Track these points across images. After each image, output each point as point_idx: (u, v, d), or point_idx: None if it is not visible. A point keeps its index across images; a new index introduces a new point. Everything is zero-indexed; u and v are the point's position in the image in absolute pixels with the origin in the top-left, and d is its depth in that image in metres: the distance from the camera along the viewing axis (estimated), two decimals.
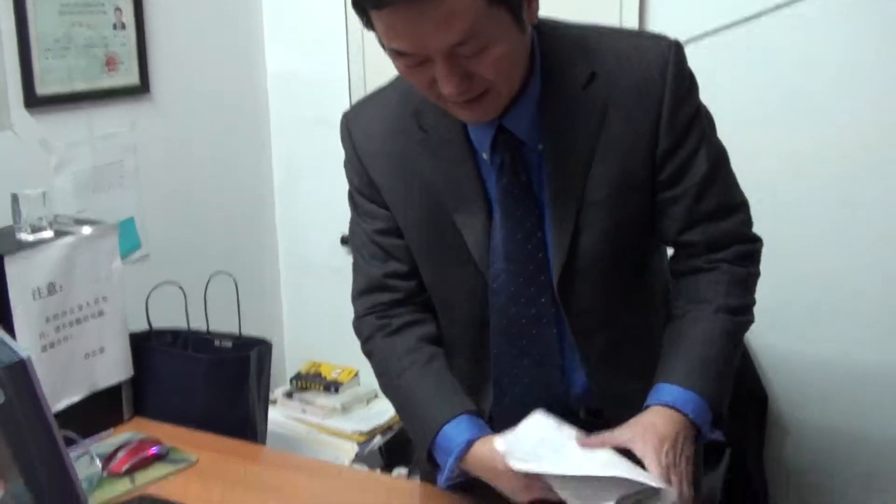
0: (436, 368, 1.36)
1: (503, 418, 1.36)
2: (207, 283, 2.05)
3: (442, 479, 1.28)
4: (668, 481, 1.13)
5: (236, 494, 1.57)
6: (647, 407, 1.23)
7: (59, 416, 1.70)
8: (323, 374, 2.58)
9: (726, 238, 1.31)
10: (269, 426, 2.29)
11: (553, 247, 1.30)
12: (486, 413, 1.43)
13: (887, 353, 2.01)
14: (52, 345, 1.68)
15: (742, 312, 1.32)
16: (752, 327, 2.05)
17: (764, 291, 1.95)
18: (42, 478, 1.17)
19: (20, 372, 1.07)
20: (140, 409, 1.89)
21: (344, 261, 2.07)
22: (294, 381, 2.56)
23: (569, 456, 1.18)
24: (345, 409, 2.46)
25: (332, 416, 2.45)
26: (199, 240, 2.35)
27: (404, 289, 1.40)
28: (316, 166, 2.52)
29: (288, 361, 2.71)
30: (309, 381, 2.56)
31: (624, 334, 1.38)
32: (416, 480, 1.54)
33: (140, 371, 1.88)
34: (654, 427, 1.18)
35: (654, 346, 1.33)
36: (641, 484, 1.12)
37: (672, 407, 1.21)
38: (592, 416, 1.37)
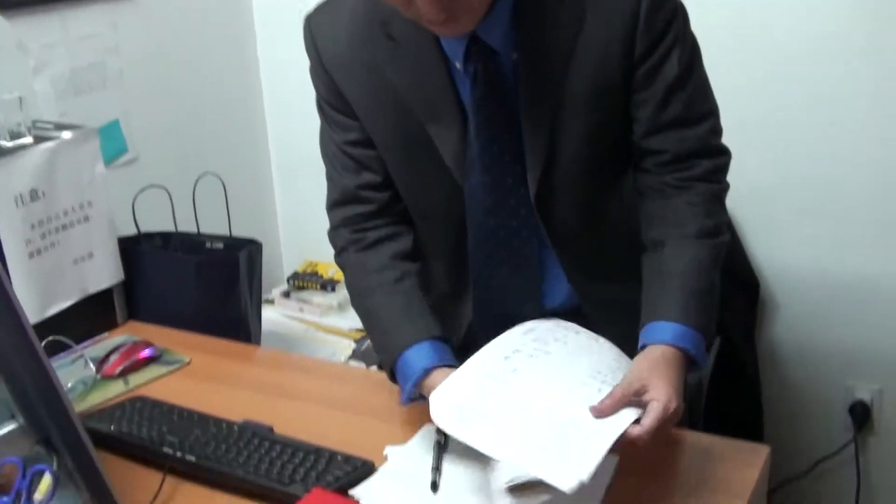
0: (405, 288, 1.35)
1: (485, 328, 1.36)
2: (195, 185, 2.03)
3: (403, 398, 1.31)
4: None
5: (230, 393, 1.59)
6: (646, 346, 1.21)
7: (51, 321, 1.73)
8: (319, 273, 2.58)
9: (693, 148, 1.28)
10: (267, 325, 2.31)
11: (530, 157, 1.27)
12: (463, 327, 1.44)
13: (881, 235, 1.99)
14: (38, 252, 1.68)
15: (721, 232, 1.29)
16: (745, 213, 2.06)
17: (757, 175, 1.94)
18: (26, 385, 1.18)
19: None
20: (133, 313, 1.90)
21: None
22: (291, 281, 2.57)
23: (492, 424, 1.15)
24: (341, 307, 2.46)
25: (328, 313, 2.46)
26: (188, 142, 2.32)
27: (378, 200, 1.38)
28: (305, 62, 2.46)
29: (285, 261, 2.71)
30: (305, 280, 2.57)
31: (604, 242, 1.37)
32: None
33: (131, 275, 1.88)
34: (666, 377, 1.16)
35: (635, 252, 1.32)
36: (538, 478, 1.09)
37: (673, 346, 1.19)
38: (573, 317, 1.38)
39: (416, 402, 1.31)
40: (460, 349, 1.49)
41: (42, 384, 1.15)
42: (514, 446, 1.10)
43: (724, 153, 1.33)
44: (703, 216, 1.27)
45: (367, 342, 2.41)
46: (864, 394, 2.10)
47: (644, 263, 1.30)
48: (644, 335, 1.23)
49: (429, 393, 1.24)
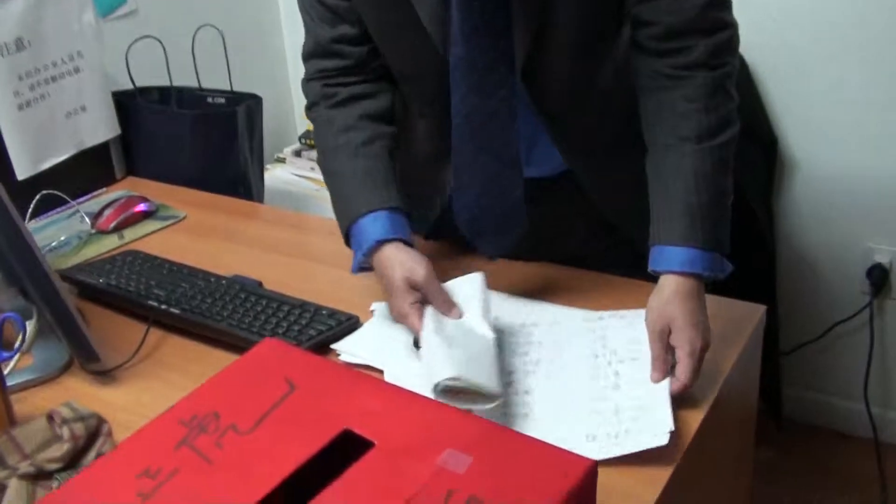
0: (372, 152, 1.27)
1: (462, 216, 1.31)
2: (194, 38, 1.97)
3: (353, 267, 1.26)
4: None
5: (223, 249, 1.57)
6: (658, 274, 1.14)
7: (46, 176, 1.71)
8: None
9: (690, 21, 1.14)
10: (277, 184, 2.29)
11: (519, 25, 1.17)
12: (438, 201, 1.39)
13: None
14: (27, 103, 1.64)
15: (727, 126, 1.17)
16: (760, 68, 1.95)
17: (775, 23, 1.81)
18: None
19: None
20: (132, 169, 1.88)
21: None
22: (302, 139, 2.52)
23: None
24: None
25: None
26: None
27: (354, 55, 1.30)
28: None
29: (297, 119, 2.66)
30: None
31: (595, 114, 1.29)
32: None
33: (129, 130, 1.85)
34: (684, 315, 1.10)
35: (628, 122, 1.24)
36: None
37: (682, 273, 1.12)
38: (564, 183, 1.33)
39: (366, 271, 1.27)
40: (432, 232, 1.46)
41: (12, 237, 1.13)
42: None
43: (728, 26, 1.18)
44: (703, 113, 1.15)
45: None
46: (883, 257, 2.04)
47: (647, 170, 1.20)
48: (652, 260, 1.16)
49: (379, 265, 1.21)
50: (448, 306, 1.18)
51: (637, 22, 1.19)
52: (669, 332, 1.11)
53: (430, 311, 1.17)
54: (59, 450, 1.02)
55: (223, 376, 0.81)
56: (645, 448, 1.02)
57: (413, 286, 1.18)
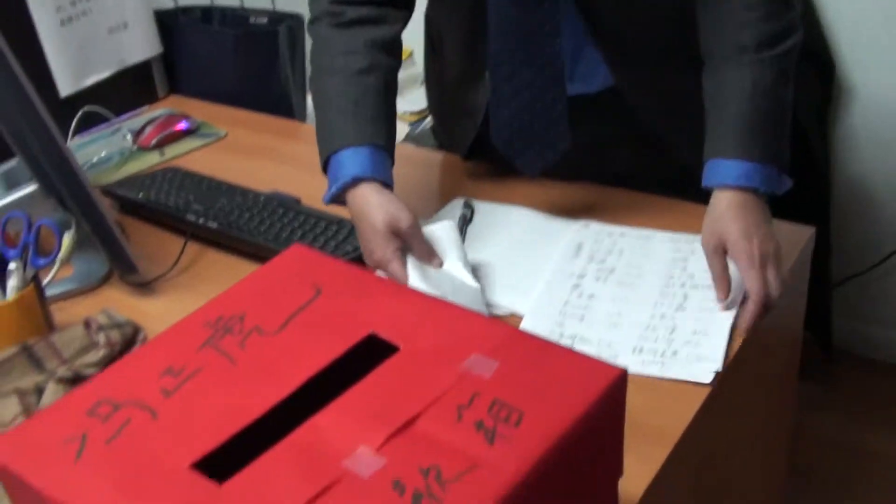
0: (368, 82, 1.19)
1: (502, 134, 1.27)
2: None
3: (325, 197, 1.20)
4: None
5: (263, 167, 1.56)
6: (712, 190, 1.11)
7: (89, 92, 1.71)
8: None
9: None
10: None
11: None
12: (470, 130, 1.36)
13: None
14: (69, 19, 1.63)
15: (787, 35, 1.12)
16: None
17: None
18: (32, 146, 1.16)
19: None
20: (175, 87, 1.87)
21: None
22: None
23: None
24: (400, 90, 2.39)
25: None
26: None
27: None
28: None
29: None
30: None
31: (644, 24, 1.24)
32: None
33: (171, 49, 1.83)
34: (741, 229, 1.07)
35: (677, 32, 1.20)
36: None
37: (737, 188, 1.09)
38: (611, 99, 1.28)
39: (338, 204, 1.21)
40: (468, 155, 1.42)
41: (49, 149, 1.13)
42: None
43: None
44: (762, 21, 1.10)
45: (422, 125, 2.35)
46: None
47: (704, 83, 1.16)
48: (707, 175, 1.12)
49: (354, 204, 1.15)
50: (430, 255, 1.14)
51: None
52: (726, 250, 1.08)
53: (412, 260, 1.13)
54: (96, 355, 1.03)
55: (250, 280, 0.80)
56: (685, 379, 1.00)
57: (395, 232, 1.12)
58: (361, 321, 0.74)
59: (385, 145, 1.18)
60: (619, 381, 0.68)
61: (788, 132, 1.14)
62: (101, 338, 1.05)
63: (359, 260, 1.23)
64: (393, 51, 1.24)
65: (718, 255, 1.08)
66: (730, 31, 1.12)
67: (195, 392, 0.68)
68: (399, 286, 0.78)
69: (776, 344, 1.26)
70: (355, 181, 1.15)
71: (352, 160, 1.16)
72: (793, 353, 1.36)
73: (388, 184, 1.17)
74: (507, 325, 0.72)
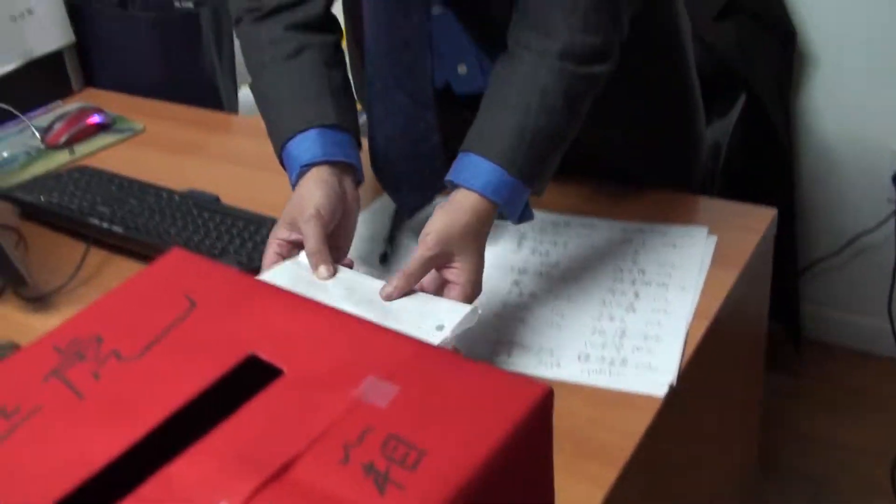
0: (299, 64, 1.07)
1: (377, 163, 1.14)
2: None
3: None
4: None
5: (182, 163, 1.44)
6: (455, 186, 0.95)
7: None
8: None
9: None
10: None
11: None
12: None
13: None
14: None
15: (600, 59, 0.98)
16: None
17: None
18: None
19: None
20: (91, 80, 1.73)
21: None
22: None
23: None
24: None
25: None
26: None
27: None
28: None
29: None
30: None
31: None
32: None
33: (85, 37, 1.70)
34: (474, 248, 0.92)
35: None
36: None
37: (483, 196, 0.93)
38: None
39: None
40: None
41: None
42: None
43: None
44: (580, 31, 0.96)
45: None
46: None
47: (495, 67, 1.02)
48: (457, 167, 0.97)
49: (297, 191, 1.01)
50: (318, 258, 0.95)
51: None
52: (445, 265, 0.92)
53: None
54: None
55: (114, 294, 0.68)
56: (636, 391, 0.89)
57: (293, 224, 0.98)
58: (241, 339, 0.62)
59: (337, 122, 1.04)
60: (543, 402, 0.56)
61: (553, 166, 0.99)
62: None
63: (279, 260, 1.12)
64: (323, 27, 1.12)
65: (435, 263, 0.92)
66: (543, 26, 0.98)
67: (28, 438, 0.55)
68: (289, 295, 0.67)
69: (739, 337, 1.16)
70: (304, 170, 1.01)
71: (299, 148, 1.03)
72: (757, 345, 1.27)
73: (348, 163, 1.03)
74: (410, 340, 0.60)
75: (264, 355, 0.60)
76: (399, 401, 0.55)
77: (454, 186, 0.95)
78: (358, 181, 1.04)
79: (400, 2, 1.04)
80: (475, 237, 0.92)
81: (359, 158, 1.04)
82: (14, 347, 0.97)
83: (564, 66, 0.96)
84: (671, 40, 1.21)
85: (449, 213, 0.92)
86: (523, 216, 0.98)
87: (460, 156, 0.97)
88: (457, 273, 0.91)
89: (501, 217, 0.96)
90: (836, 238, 2.01)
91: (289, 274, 0.94)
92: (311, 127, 1.02)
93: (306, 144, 1.02)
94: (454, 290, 0.91)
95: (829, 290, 2.09)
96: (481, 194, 0.93)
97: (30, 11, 1.59)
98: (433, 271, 0.92)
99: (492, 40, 1.07)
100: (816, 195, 1.99)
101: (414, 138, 1.10)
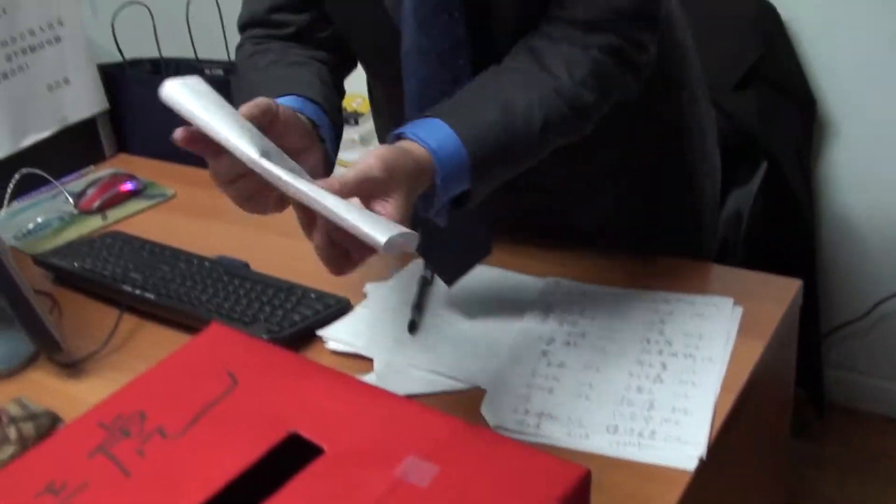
0: (298, 64, 1.06)
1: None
2: (188, 5, 1.86)
3: None
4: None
5: (212, 228, 1.46)
6: (405, 137, 0.91)
7: (29, 153, 1.61)
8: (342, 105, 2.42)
9: (614, 14, 0.99)
10: None
11: (494, 20, 1.02)
12: None
13: None
14: (5, 75, 1.54)
15: (579, 115, 0.99)
16: (796, 22, 1.80)
17: None
18: None
19: None
20: (124, 146, 1.77)
21: None
22: None
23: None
24: (363, 140, 2.31)
25: (350, 148, 2.31)
26: None
27: (296, 23, 1.13)
28: None
29: None
30: None
31: None
32: None
33: (118, 104, 1.74)
34: (407, 177, 0.85)
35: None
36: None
37: (432, 156, 0.89)
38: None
39: None
40: None
41: None
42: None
43: (653, 20, 1.03)
44: (576, 82, 0.98)
45: None
46: None
47: (485, 70, 1.02)
48: (416, 125, 0.92)
49: None
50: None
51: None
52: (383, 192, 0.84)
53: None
54: (5, 453, 0.92)
55: (157, 370, 0.69)
56: (665, 464, 0.89)
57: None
58: (282, 417, 0.63)
59: (315, 99, 0.99)
60: (582, 484, 0.57)
61: (503, 174, 0.97)
62: (13, 432, 0.93)
63: (310, 329, 1.13)
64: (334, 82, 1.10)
65: (373, 181, 0.83)
66: (539, 58, 0.99)
67: None
68: (328, 372, 0.68)
69: (766, 407, 1.16)
70: None
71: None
72: (784, 413, 1.26)
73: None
74: (449, 419, 0.62)
75: (305, 433, 0.62)
76: (439, 481, 0.56)
77: (399, 139, 0.90)
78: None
79: (437, 70, 1.03)
80: (411, 186, 0.85)
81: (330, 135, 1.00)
82: (50, 415, 0.98)
83: (552, 93, 0.97)
84: (676, 126, 1.23)
85: (395, 151, 0.86)
86: (439, 212, 0.94)
87: (424, 119, 0.93)
88: (391, 208, 0.82)
89: None
90: (858, 303, 2.01)
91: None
92: (288, 94, 0.97)
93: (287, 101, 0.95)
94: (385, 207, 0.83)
95: (853, 354, 2.09)
96: (431, 152, 0.88)
97: (66, 81, 1.64)
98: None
99: None
100: (838, 261, 2.00)
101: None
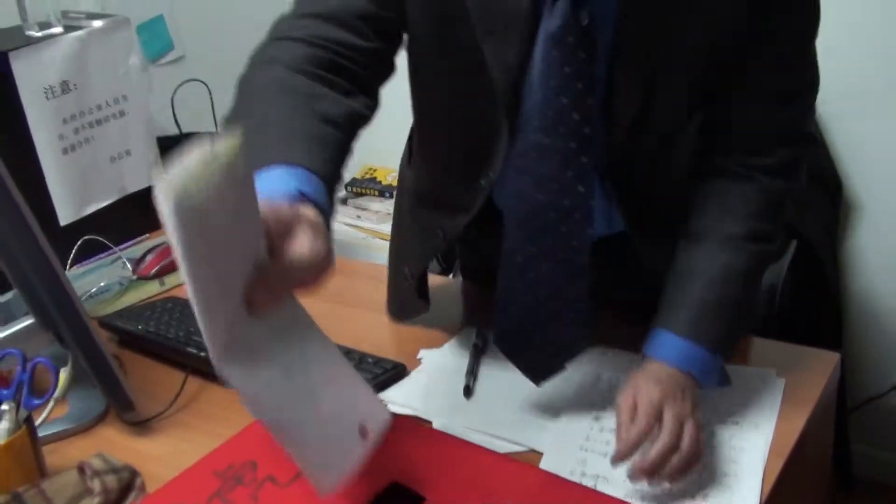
0: (323, 126, 0.91)
1: (509, 331, 1.13)
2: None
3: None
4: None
5: None
6: (650, 357, 1.06)
7: (89, 221, 1.68)
8: (378, 179, 2.50)
9: (777, 131, 1.08)
10: None
11: (614, 117, 1.04)
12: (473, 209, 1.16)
13: None
14: (72, 147, 1.62)
15: (771, 239, 1.09)
16: (825, 109, 1.88)
17: (842, 64, 1.75)
18: (35, 283, 1.13)
19: None
20: None
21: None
22: (349, 188, 2.49)
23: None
24: None
25: (386, 220, 2.38)
26: (238, 39, 2.22)
27: (369, 49, 1.02)
28: None
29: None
30: (364, 187, 2.49)
31: (667, 199, 1.17)
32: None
33: None
34: (641, 391, 1.01)
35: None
36: None
37: (676, 368, 1.04)
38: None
39: None
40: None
41: (50, 282, 1.09)
42: None
43: (810, 142, 1.13)
44: (753, 218, 1.08)
45: None
46: None
47: (676, 252, 1.11)
48: (650, 344, 1.07)
49: None
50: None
51: (721, 123, 1.10)
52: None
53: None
54: (90, 503, 0.97)
55: (260, 423, 0.75)
56: None
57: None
58: (383, 468, 0.68)
59: (312, 168, 0.84)
60: None
61: (741, 332, 1.12)
62: (97, 484, 0.98)
63: None
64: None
65: (642, 420, 0.98)
66: (719, 215, 1.09)
67: None
68: (422, 428, 0.73)
69: (809, 475, 1.20)
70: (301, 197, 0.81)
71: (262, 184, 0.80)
72: (823, 485, 1.30)
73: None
74: (537, 470, 0.67)
75: (406, 482, 0.67)
76: None
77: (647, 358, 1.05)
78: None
79: (560, 171, 1.03)
80: (678, 399, 1.00)
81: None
82: (130, 469, 1.03)
83: (741, 245, 1.08)
84: None
85: (642, 375, 1.03)
86: (721, 381, 1.08)
87: (653, 332, 1.07)
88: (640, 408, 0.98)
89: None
90: (884, 379, 2.05)
91: None
92: (279, 164, 0.82)
93: (273, 180, 0.82)
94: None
95: (879, 429, 2.11)
96: (673, 366, 1.03)
97: (128, 153, 1.72)
98: None
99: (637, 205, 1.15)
100: (865, 336, 2.04)
101: (556, 309, 1.09)
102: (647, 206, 1.16)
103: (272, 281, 0.65)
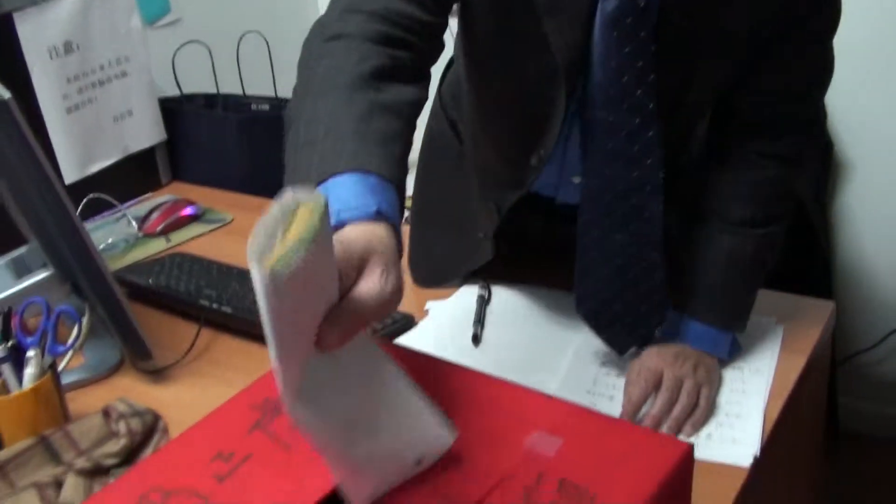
0: (375, 97, 0.87)
1: (583, 301, 1.16)
2: (238, 44, 1.96)
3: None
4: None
5: None
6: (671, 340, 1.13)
7: (94, 179, 1.70)
8: None
9: (793, 123, 1.11)
10: None
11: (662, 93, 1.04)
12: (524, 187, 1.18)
13: None
14: (76, 107, 1.64)
15: (772, 222, 1.14)
16: None
17: None
18: (54, 234, 1.15)
19: (4, 112, 1.01)
20: (178, 174, 1.87)
21: None
22: None
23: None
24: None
25: None
26: (233, 1, 2.23)
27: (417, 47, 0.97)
28: None
29: None
30: None
31: (685, 189, 1.19)
32: None
33: (174, 135, 1.84)
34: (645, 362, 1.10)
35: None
36: None
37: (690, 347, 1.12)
38: None
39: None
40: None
41: (69, 233, 1.12)
42: None
43: (818, 128, 1.22)
44: (763, 203, 1.12)
45: None
46: None
47: (690, 235, 1.16)
48: (674, 328, 1.14)
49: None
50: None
51: (741, 110, 1.12)
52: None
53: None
54: (116, 445, 1.00)
55: None
56: (724, 461, 0.98)
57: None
58: None
59: (384, 174, 0.80)
60: (687, 456, 0.66)
61: (749, 306, 1.16)
62: (122, 427, 1.01)
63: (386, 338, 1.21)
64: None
65: (641, 383, 1.07)
66: (724, 199, 1.13)
67: (248, 478, 0.65)
68: (450, 364, 0.76)
69: (808, 415, 1.24)
70: (341, 224, 0.74)
71: (335, 194, 0.78)
72: (817, 432, 1.35)
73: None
74: (565, 402, 0.70)
75: None
76: (564, 451, 0.65)
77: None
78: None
79: (627, 145, 1.06)
80: (677, 364, 1.08)
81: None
82: (152, 412, 1.06)
83: (742, 231, 1.13)
84: None
85: (659, 351, 1.11)
86: (730, 352, 1.14)
87: (681, 320, 1.14)
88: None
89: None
90: (870, 334, 2.10)
91: None
92: (354, 171, 0.79)
93: (344, 192, 0.78)
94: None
95: (865, 382, 2.17)
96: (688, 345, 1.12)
97: (130, 113, 1.73)
98: None
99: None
100: (852, 292, 2.09)
101: (632, 278, 1.12)
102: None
103: (343, 322, 0.64)
